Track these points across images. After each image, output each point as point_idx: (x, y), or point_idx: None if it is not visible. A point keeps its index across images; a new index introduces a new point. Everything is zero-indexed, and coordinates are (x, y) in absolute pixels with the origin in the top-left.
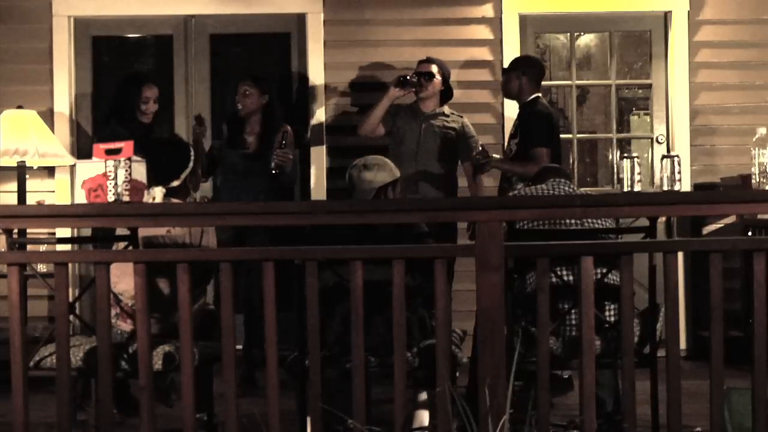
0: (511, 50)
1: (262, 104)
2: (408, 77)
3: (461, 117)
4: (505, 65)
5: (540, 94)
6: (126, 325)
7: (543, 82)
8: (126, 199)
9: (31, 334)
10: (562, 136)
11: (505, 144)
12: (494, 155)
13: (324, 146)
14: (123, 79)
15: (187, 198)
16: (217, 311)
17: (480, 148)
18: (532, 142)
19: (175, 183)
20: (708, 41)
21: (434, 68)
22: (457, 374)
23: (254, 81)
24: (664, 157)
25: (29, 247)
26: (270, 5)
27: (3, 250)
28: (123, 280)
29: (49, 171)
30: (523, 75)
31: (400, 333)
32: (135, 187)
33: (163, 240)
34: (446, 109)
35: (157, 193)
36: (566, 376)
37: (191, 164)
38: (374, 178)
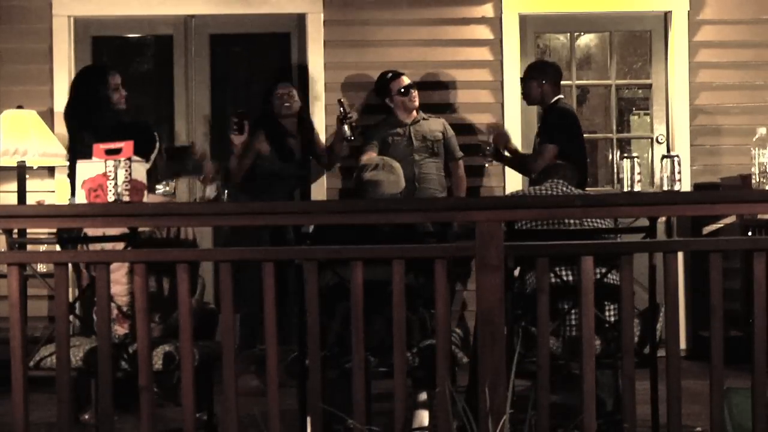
0: (511, 50)
1: (300, 107)
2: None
3: (439, 117)
4: (505, 65)
5: (562, 96)
6: (122, 329)
7: None
8: (126, 199)
9: (31, 334)
10: None
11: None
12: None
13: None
14: (84, 73)
15: (157, 179)
16: (217, 311)
17: (489, 144)
18: (543, 138)
19: (147, 165)
20: (708, 41)
21: (407, 80)
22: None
23: (291, 83)
24: (664, 157)
25: (29, 247)
26: (270, 5)
27: (3, 250)
28: (113, 284)
29: (49, 171)
30: (542, 81)
31: (400, 333)
32: (135, 187)
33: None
34: (422, 113)
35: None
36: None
37: (158, 144)
38: (386, 180)
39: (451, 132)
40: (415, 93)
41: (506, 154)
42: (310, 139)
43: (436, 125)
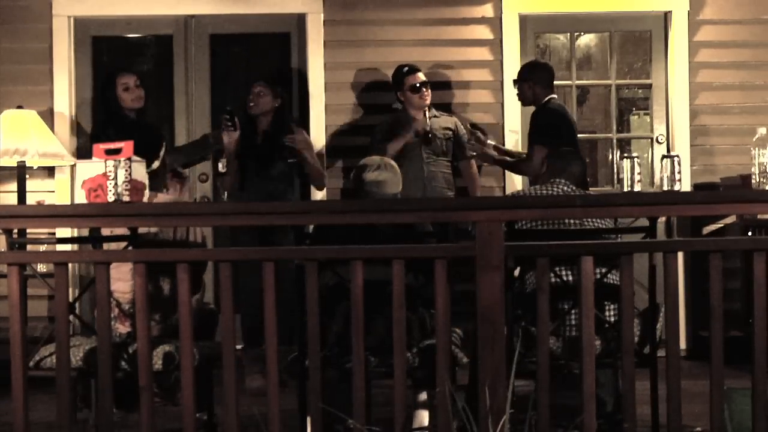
0: (511, 50)
1: (274, 107)
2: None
3: (451, 116)
4: (505, 65)
5: (554, 95)
6: (124, 328)
7: None
8: (126, 199)
9: (31, 334)
10: None
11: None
12: (489, 143)
13: (324, 146)
14: (102, 81)
15: (165, 176)
16: (217, 311)
17: (474, 135)
18: (531, 140)
19: (156, 164)
20: (708, 41)
21: (422, 76)
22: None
23: (268, 82)
24: (664, 157)
25: (29, 247)
26: (270, 5)
27: (3, 250)
28: (117, 281)
29: (49, 171)
30: (532, 82)
31: (400, 333)
32: (135, 187)
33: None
34: (434, 111)
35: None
36: None
37: (164, 142)
38: (389, 180)
39: (462, 130)
40: (427, 91)
41: (490, 151)
42: (288, 142)
43: (447, 123)
